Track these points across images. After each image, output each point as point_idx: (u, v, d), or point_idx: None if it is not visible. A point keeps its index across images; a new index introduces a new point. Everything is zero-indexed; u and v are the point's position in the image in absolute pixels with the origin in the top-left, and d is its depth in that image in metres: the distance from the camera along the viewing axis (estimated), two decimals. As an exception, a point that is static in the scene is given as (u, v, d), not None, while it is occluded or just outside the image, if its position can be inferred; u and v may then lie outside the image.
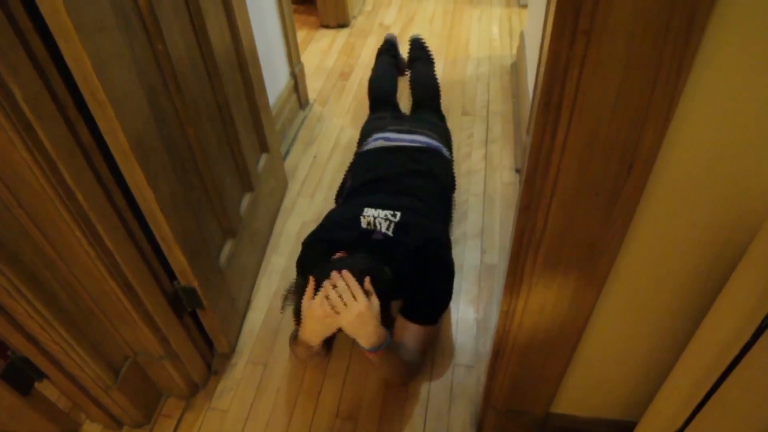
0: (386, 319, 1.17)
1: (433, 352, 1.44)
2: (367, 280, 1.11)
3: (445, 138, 1.86)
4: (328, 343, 1.27)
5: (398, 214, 1.34)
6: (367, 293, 1.10)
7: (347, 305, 1.08)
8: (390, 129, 1.79)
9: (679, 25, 0.52)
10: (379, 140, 1.75)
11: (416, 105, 2.14)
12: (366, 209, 1.36)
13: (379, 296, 1.12)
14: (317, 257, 1.27)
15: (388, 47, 2.46)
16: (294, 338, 1.29)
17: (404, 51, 2.54)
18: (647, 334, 0.92)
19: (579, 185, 0.68)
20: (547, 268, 0.80)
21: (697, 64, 0.56)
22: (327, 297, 1.09)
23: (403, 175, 1.55)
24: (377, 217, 1.32)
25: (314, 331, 1.16)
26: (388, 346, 1.15)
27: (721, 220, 0.71)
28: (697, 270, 0.79)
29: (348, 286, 1.09)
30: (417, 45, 2.44)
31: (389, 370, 1.26)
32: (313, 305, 1.11)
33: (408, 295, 1.29)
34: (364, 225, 1.32)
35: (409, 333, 1.29)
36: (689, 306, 0.84)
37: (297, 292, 1.19)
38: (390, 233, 1.30)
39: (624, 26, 0.53)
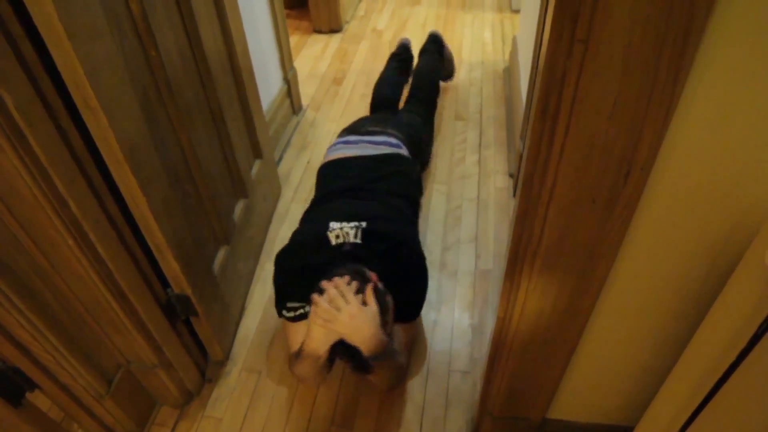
0: (387, 327, 1.17)
1: (428, 359, 1.44)
2: (369, 288, 1.12)
3: (412, 137, 1.83)
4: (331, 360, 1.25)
5: (364, 222, 1.35)
6: (364, 301, 1.11)
7: (339, 310, 1.08)
8: (355, 132, 1.80)
9: (676, 33, 0.52)
10: (339, 144, 1.75)
11: (410, 94, 2.15)
12: (331, 223, 1.35)
13: (380, 304, 1.13)
14: (296, 284, 1.28)
15: (399, 51, 2.42)
16: (296, 356, 1.27)
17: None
18: (644, 339, 0.92)
19: (576, 192, 0.68)
20: (544, 275, 0.80)
21: (693, 72, 0.56)
22: (318, 306, 1.10)
23: (365, 182, 1.56)
24: (343, 228, 1.33)
25: (319, 339, 1.14)
26: (389, 352, 1.14)
27: (718, 226, 0.71)
28: (694, 275, 0.79)
29: (339, 292, 1.10)
30: (432, 38, 2.40)
31: (382, 377, 1.26)
32: (311, 316, 1.13)
33: None
34: (333, 241, 1.32)
35: (394, 333, 1.29)
36: (686, 311, 0.85)
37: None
38: (359, 240, 1.31)
39: (622, 34, 0.53)
